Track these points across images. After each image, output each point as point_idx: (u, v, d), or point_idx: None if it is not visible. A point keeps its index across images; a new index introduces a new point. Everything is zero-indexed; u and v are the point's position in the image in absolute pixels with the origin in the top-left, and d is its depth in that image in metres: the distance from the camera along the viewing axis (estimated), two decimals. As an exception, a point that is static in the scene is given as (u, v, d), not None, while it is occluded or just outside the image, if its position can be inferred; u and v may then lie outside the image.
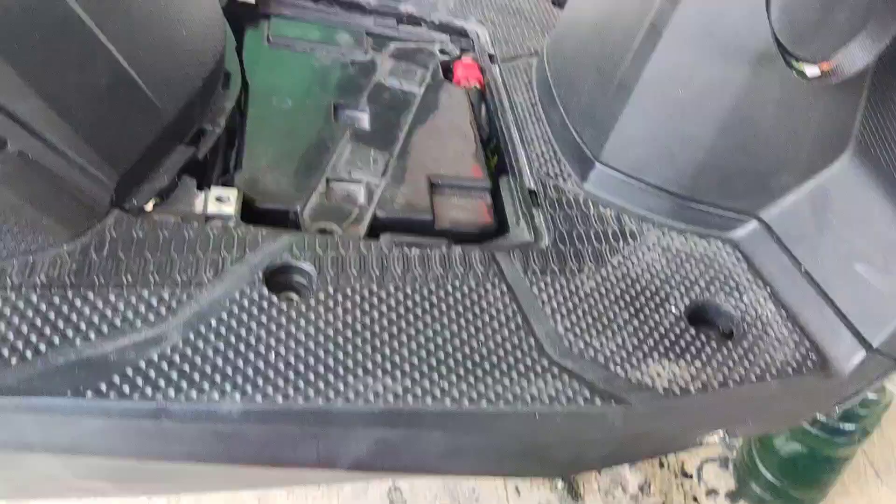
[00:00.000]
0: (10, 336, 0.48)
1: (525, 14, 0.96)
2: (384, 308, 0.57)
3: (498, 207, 0.72)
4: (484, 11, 0.94)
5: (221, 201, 0.62)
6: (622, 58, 0.68)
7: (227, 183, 0.67)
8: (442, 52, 0.89)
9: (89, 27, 0.53)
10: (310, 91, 0.78)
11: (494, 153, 0.80)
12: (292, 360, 0.52)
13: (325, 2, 0.90)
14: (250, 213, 0.63)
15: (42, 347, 0.48)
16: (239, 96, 0.73)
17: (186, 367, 0.50)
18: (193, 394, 0.49)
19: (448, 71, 0.88)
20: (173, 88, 0.62)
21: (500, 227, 0.71)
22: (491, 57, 0.88)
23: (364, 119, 0.77)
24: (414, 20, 0.92)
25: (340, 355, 0.53)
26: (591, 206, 0.70)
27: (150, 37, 0.59)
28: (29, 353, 0.48)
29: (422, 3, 0.92)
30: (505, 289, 0.61)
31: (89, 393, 0.47)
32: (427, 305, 0.58)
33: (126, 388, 0.48)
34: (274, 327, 0.54)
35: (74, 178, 0.54)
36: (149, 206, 0.59)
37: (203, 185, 0.65)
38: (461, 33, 0.93)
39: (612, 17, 0.71)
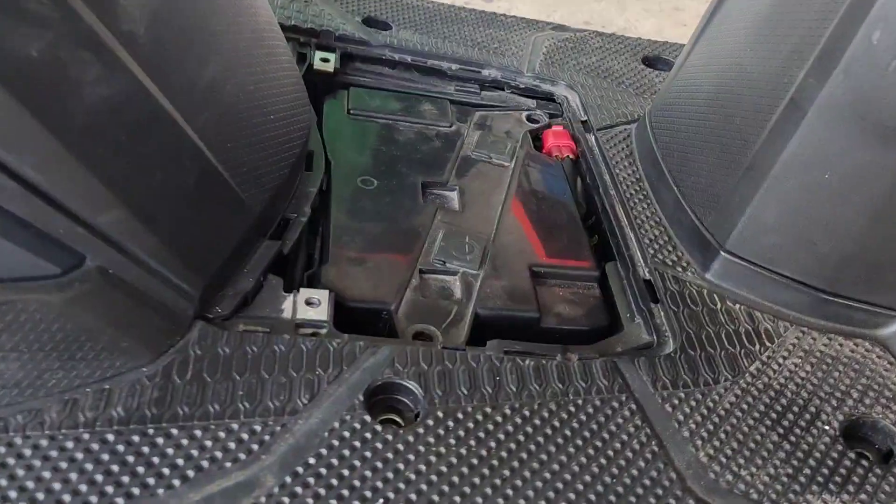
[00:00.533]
0: (83, 488, 0.41)
1: (616, 76, 0.89)
2: (501, 435, 0.50)
3: (606, 299, 0.65)
4: (572, 74, 0.87)
5: (311, 305, 0.55)
6: (753, 135, 0.60)
7: (314, 277, 0.60)
8: (530, 119, 0.82)
9: (179, 124, 0.47)
10: (395, 168, 0.71)
11: (593, 232, 0.73)
12: (404, 506, 0.45)
13: (403, 67, 0.84)
14: (340, 312, 0.57)
15: (120, 501, 0.41)
16: (322, 178, 0.67)
17: (286, 520, 0.43)
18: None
19: (537, 139, 0.81)
20: (261, 180, 0.56)
21: (611, 322, 0.64)
22: (584, 124, 0.81)
23: (454, 199, 0.70)
24: (498, 85, 0.86)
25: (458, 499, 0.46)
26: (718, 301, 0.62)
27: (239, 126, 0.53)
28: (106, 508, 0.41)
29: (505, 67, 0.86)
30: (634, 407, 0.53)
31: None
32: (549, 431, 0.51)
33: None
34: (379, 464, 0.46)
35: (157, 290, 0.48)
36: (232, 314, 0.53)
37: (289, 282, 0.59)
38: (549, 98, 0.86)
39: (736, 86, 0.63)
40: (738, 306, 0.62)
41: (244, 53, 0.56)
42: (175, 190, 0.48)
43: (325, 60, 0.79)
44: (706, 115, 0.67)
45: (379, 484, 0.45)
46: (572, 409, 0.52)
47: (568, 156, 0.79)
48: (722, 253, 0.63)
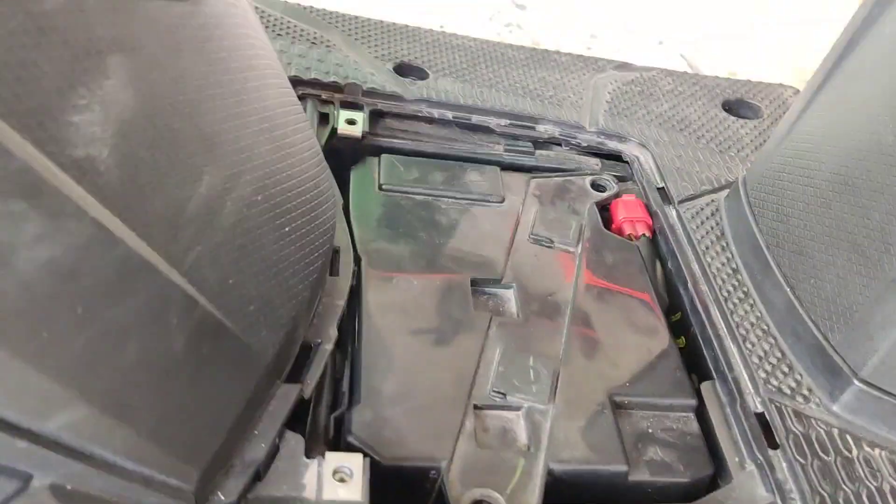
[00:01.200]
0: None
1: (694, 127, 0.75)
2: None
3: (705, 432, 0.52)
4: (642, 128, 0.74)
5: (342, 478, 0.43)
6: (902, 239, 0.47)
7: (341, 422, 0.48)
8: (595, 186, 0.69)
9: (161, 271, 0.34)
10: (437, 261, 0.59)
11: (679, 333, 0.60)
12: None
13: (442, 124, 0.71)
14: (375, 472, 0.44)
15: None
16: (350, 284, 0.54)
17: None
18: None
19: (604, 209, 0.68)
20: (275, 314, 0.43)
21: (716, 468, 0.51)
22: (661, 192, 0.68)
23: (511, 301, 0.58)
24: (555, 141, 0.72)
25: None
26: (854, 446, 0.49)
27: (244, 253, 0.41)
28: None
29: (563, 121, 0.73)
30: None
31: None
32: None
33: None
34: None
35: (136, 498, 0.35)
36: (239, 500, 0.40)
37: (311, 435, 0.46)
38: (616, 158, 0.73)
39: (875, 171, 0.50)
40: (878, 452, 0.49)
41: (250, 152, 0.43)
42: (158, 361, 0.35)
43: (352, 122, 0.67)
44: (830, 201, 0.53)
45: None
46: None
47: (644, 234, 0.65)
48: (856, 382, 0.50)
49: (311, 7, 0.80)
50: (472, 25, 1.76)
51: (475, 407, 0.50)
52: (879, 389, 0.49)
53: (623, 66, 0.83)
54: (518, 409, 0.50)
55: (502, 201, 0.65)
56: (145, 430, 0.35)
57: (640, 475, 0.49)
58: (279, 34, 0.73)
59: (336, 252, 0.55)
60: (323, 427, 0.48)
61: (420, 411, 0.48)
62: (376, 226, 0.60)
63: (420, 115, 0.70)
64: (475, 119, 0.71)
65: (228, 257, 0.40)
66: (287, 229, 0.45)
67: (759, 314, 0.56)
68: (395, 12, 1.77)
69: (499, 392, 0.50)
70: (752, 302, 0.57)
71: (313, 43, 0.74)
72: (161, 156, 0.36)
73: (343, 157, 0.66)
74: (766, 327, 0.56)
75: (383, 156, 0.66)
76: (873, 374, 0.49)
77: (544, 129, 0.72)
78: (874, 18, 0.56)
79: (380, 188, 0.64)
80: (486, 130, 0.71)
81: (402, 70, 0.75)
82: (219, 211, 0.40)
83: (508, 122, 0.72)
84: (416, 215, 0.62)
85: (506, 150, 0.71)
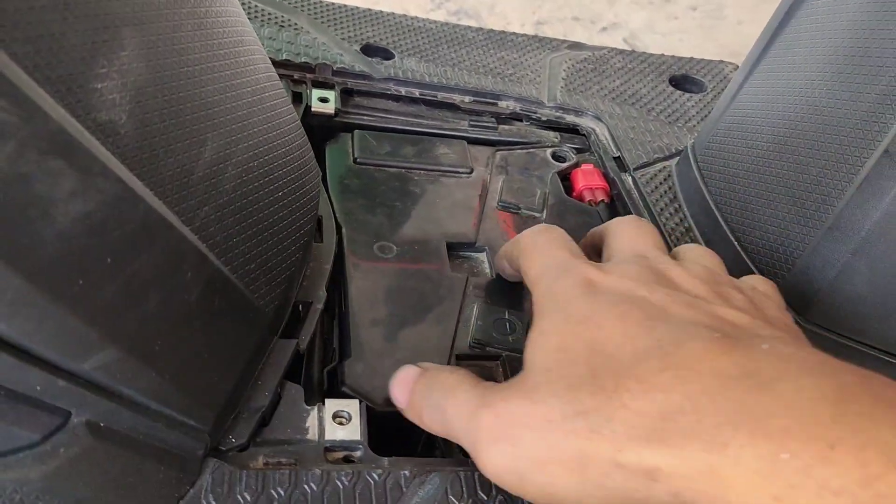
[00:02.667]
0: None
1: (644, 101, 0.80)
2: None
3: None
4: (596, 102, 0.79)
5: (341, 421, 0.46)
6: (837, 190, 0.52)
7: (334, 376, 0.51)
8: (556, 157, 0.74)
9: (176, 227, 0.38)
10: (414, 228, 0.62)
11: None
12: None
13: (410, 101, 0.75)
14: (370, 420, 0.48)
15: None
16: (334, 249, 0.58)
17: None
18: None
19: (565, 179, 0.73)
20: (272, 273, 0.46)
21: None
22: (618, 161, 0.73)
23: (484, 262, 0.62)
24: (517, 117, 0.77)
25: None
26: None
27: (244, 214, 0.44)
28: None
29: (524, 97, 0.77)
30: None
31: None
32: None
33: None
34: None
35: (160, 436, 0.38)
36: (249, 442, 0.44)
37: (309, 387, 0.50)
38: (574, 131, 0.77)
39: (811, 130, 0.55)
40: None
41: (245, 121, 0.46)
42: (176, 310, 0.39)
43: (324, 100, 0.70)
44: (771, 161, 0.58)
45: None
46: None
47: (602, 200, 0.70)
48: (800, 323, 0.55)
49: (276, -8, 0.83)
50: (419, 13, 1.79)
51: (457, 357, 0.53)
52: (820, 327, 0.55)
53: (575, 46, 0.88)
54: (497, 357, 0.54)
55: (471, 172, 0.69)
56: (168, 374, 0.38)
57: None
58: (250, 18, 0.75)
59: (319, 221, 0.58)
60: (317, 380, 0.52)
61: (407, 362, 0.52)
62: (353, 197, 0.64)
63: (388, 93, 0.74)
64: (441, 96, 0.75)
65: (231, 218, 0.43)
66: (280, 194, 0.49)
67: (711, 267, 0.61)
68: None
69: (478, 343, 0.54)
70: (704, 256, 0.62)
71: (282, 26, 0.77)
72: (170, 122, 0.39)
73: (316, 134, 0.69)
74: (717, 278, 0.61)
75: (356, 131, 0.69)
76: (816, 315, 0.55)
77: (506, 105, 0.77)
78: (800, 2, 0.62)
79: (354, 161, 0.67)
80: (452, 107, 0.75)
81: (369, 51, 0.78)
82: (221, 174, 0.43)
83: (472, 98, 0.76)
84: (391, 186, 0.66)
85: (470, 126, 0.75)
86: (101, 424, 0.36)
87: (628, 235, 0.48)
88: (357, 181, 0.65)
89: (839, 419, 0.26)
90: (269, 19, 0.77)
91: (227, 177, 0.44)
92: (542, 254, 0.45)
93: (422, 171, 0.68)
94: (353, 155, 0.67)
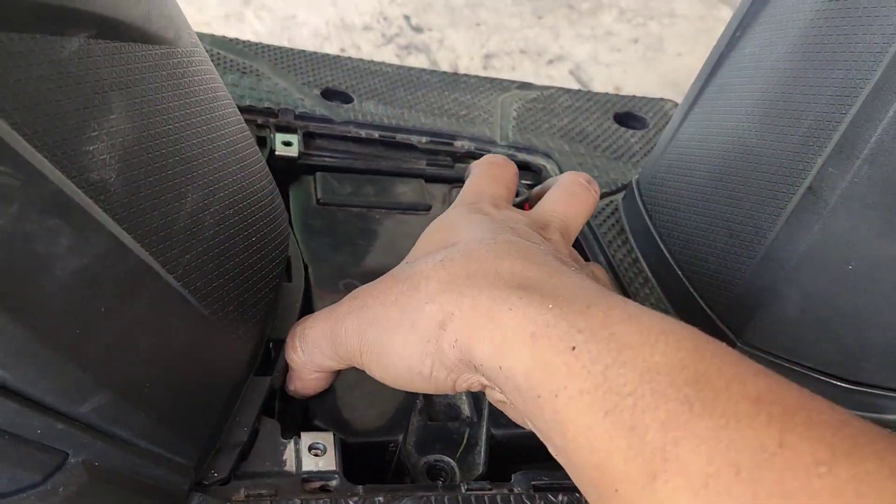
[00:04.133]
0: None
1: (591, 138, 0.85)
2: (546, 592, 0.45)
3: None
4: (546, 140, 0.83)
5: (316, 453, 0.49)
6: (768, 223, 0.57)
7: (305, 410, 0.54)
8: (509, 193, 0.78)
9: (162, 276, 0.40)
10: (376, 265, 0.65)
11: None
12: None
13: (367, 142, 0.78)
14: (343, 451, 0.51)
15: None
16: (302, 288, 0.60)
17: None
18: None
19: (519, 213, 0.77)
20: (248, 313, 0.49)
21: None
22: (567, 196, 0.77)
23: (446, 295, 0.65)
24: (472, 156, 0.81)
25: None
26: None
27: (222, 260, 0.47)
28: None
29: (477, 136, 0.81)
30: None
31: None
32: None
33: None
34: None
35: (149, 472, 0.41)
36: (230, 475, 0.46)
37: (285, 425, 0.52)
38: (526, 168, 0.82)
39: (743, 168, 0.60)
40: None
41: (220, 172, 0.49)
42: (163, 353, 0.41)
43: (288, 144, 0.73)
44: (709, 196, 0.63)
45: None
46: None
47: (555, 233, 0.74)
48: (738, 345, 0.60)
49: (237, 38, 0.86)
50: (370, 48, 1.84)
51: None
52: (755, 348, 0.59)
53: (525, 86, 0.92)
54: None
55: (429, 209, 0.73)
56: (156, 414, 0.41)
57: None
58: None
59: (287, 261, 0.61)
60: (290, 414, 0.55)
61: (376, 395, 0.55)
62: (318, 236, 0.67)
63: (349, 135, 0.77)
64: (399, 137, 0.79)
65: (211, 264, 0.46)
66: (253, 239, 0.52)
67: (658, 296, 0.66)
68: (296, 38, 1.83)
69: None
70: (651, 286, 0.67)
71: (244, 73, 0.80)
72: (154, 177, 0.42)
73: (279, 175, 0.72)
74: (664, 307, 0.65)
75: (318, 173, 0.73)
76: (752, 338, 0.59)
77: (461, 145, 0.81)
78: (737, 40, 0.67)
79: (318, 202, 0.70)
80: (410, 147, 0.79)
81: (329, 95, 0.81)
82: (200, 224, 0.46)
83: (428, 139, 0.80)
84: (353, 226, 0.69)
85: (428, 165, 0.78)
86: (96, 463, 0.38)
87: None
88: (321, 221, 0.69)
89: (600, 298, 0.34)
90: (231, 66, 0.80)
91: (206, 226, 0.46)
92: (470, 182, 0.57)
93: (382, 210, 0.71)
94: (316, 196, 0.70)
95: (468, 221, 0.45)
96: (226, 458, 0.46)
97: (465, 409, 0.56)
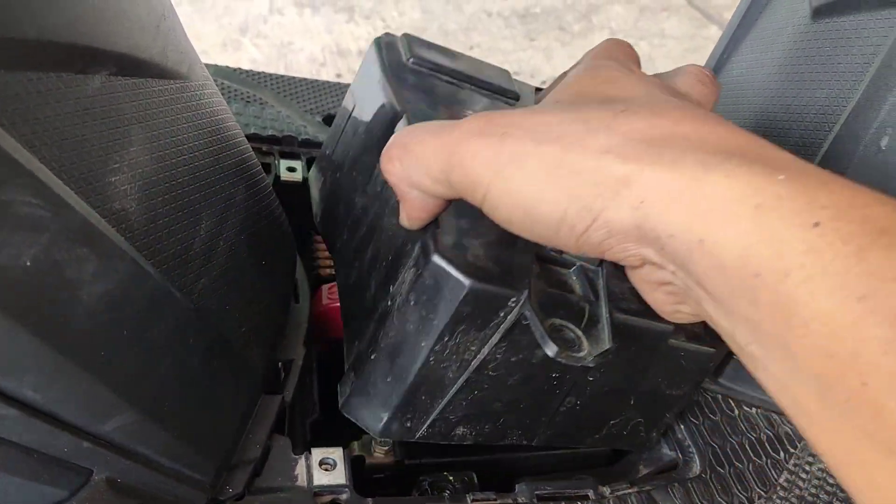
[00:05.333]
0: None
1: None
2: None
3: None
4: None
5: (327, 467, 0.51)
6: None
7: (317, 425, 0.56)
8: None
9: (179, 299, 0.42)
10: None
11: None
12: None
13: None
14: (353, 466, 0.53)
15: None
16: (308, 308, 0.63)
17: None
18: None
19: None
20: (260, 334, 0.51)
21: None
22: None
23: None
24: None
25: None
26: (735, 407, 0.61)
27: (235, 283, 0.49)
28: None
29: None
30: (680, 546, 0.51)
31: None
32: (600, 585, 0.48)
33: None
34: None
35: (168, 489, 0.43)
36: (244, 491, 0.48)
37: (295, 438, 0.54)
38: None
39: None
40: (754, 410, 0.61)
41: (232, 199, 0.51)
42: (182, 374, 0.43)
43: (292, 170, 0.75)
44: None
45: None
46: (618, 555, 0.49)
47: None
48: (733, 357, 0.62)
49: (240, 68, 0.89)
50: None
51: (537, 256, 0.46)
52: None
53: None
54: (572, 265, 0.48)
55: (517, 99, 0.60)
56: (176, 432, 0.42)
57: (678, 339, 0.50)
58: (217, 95, 0.81)
59: (294, 282, 0.63)
60: (300, 431, 0.56)
61: (493, 244, 0.44)
62: (412, 91, 0.53)
63: (350, 160, 0.79)
64: (399, 161, 0.81)
65: (224, 287, 0.48)
66: (263, 263, 0.54)
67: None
68: (293, 64, 1.86)
69: (555, 250, 0.48)
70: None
71: (248, 102, 0.82)
72: (171, 206, 0.44)
73: (284, 200, 0.74)
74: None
75: (405, 34, 0.58)
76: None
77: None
78: (725, 61, 0.70)
79: (410, 61, 0.56)
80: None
81: (330, 121, 0.84)
82: (215, 248, 0.48)
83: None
84: (445, 91, 0.56)
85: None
86: (119, 480, 0.40)
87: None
88: (413, 78, 0.56)
89: (834, 178, 0.28)
90: (236, 96, 0.82)
91: (219, 251, 0.49)
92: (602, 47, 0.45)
93: (471, 88, 0.58)
94: (408, 55, 0.57)
95: (631, 78, 0.37)
96: (240, 474, 0.48)
97: (577, 287, 0.48)
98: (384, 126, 0.52)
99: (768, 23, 0.63)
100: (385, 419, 0.46)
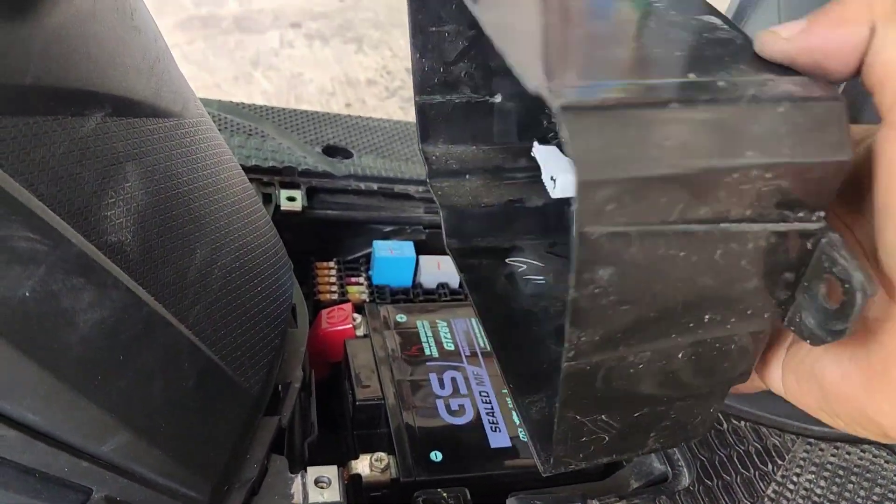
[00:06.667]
0: None
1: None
2: None
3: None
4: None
5: (322, 486, 0.53)
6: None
7: (314, 445, 0.58)
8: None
9: (174, 325, 0.44)
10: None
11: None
12: None
13: (367, 194, 0.83)
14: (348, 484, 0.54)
15: None
16: (307, 332, 0.65)
17: None
18: None
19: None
20: (255, 358, 0.53)
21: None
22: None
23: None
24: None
25: None
26: (724, 420, 0.62)
27: (229, 310, 0.51)
28: None
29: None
30: (666, 557, 0.52)
31: None
32: None
33: None
34: None
35: (165, 507, 0.45)
36: (242, 509, 0.50)
37: (291, 458, 0.56)
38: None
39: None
40: (742, 423, 0.62)
41: (227, 229, 0.54)
42: (176, 397, 0.45)
43: (292, 199, 0.78)
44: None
45: None
46: (604, 567, 0.51)
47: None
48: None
49: (242, 103, 0.92)
50: (375, 102, 1.91)
51: None
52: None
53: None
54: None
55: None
56: (171, 452, 0.45)
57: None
58: (220, 129, 0.84)
59: (293, 308, 0.66)
60: (298, 451, 0.58)
61: None
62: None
63: (349, 188, 0.82)
64: (397, 188, 0.83)
65: (219, 313, 0.50)
66: (259, 289, 0.56)
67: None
68: (304, 95, 1.90)
69: None
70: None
71: (249, 134, 0.85)
72: (166, 237, 0.47)
73: (284, 229, 0.76)
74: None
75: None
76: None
77: (455, 192, 0.85)
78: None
79: None
80: (407, 197, 0.84)
81: (330, 151, 0.87)
82: (209, 276, 0.50)
83: (425, 189, 0.84)
84: None
85: (425, 212, 0.83)
86: (117, 498, 0.42)
87: None
88: None
89: None
90: (238, 129, 0.85)
91: (214, 278, 0.51)
92: None
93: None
94: None
95: None
96: (237, 493, 0.50)
97: None
98: None
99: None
100: None
